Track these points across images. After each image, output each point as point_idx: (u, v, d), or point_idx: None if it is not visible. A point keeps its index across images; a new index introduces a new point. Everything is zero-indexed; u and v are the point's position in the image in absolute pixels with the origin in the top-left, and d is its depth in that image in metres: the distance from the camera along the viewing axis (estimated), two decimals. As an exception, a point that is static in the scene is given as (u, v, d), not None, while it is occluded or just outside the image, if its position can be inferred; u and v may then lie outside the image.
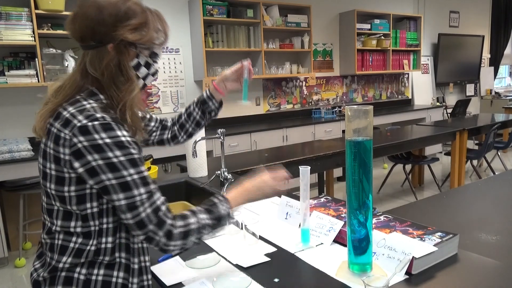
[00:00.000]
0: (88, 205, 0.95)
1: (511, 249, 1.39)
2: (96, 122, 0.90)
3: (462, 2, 7.50)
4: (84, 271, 0.97)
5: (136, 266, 1.02)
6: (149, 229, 0.93)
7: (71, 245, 0.97)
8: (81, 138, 0.89)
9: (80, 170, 0.91)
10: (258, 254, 1.24)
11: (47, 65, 3.52)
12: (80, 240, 0.96)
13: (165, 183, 2.14)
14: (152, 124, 1.36)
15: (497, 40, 8.20)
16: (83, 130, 0.90)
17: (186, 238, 0.98)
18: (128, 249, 1.01)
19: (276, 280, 1.09)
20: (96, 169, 0.90)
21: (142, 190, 0.93)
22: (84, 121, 0.90)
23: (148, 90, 4.37)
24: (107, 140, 0.90)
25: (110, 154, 0.90)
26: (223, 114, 5.21)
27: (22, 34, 3.32)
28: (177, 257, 1.25)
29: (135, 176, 0.92)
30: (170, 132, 1.39)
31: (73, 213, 0.96)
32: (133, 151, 0.93)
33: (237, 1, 4.51)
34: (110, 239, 0.98)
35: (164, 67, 4.44)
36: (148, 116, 1.35)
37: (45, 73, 3.46)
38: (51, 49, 3.58)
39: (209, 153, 3.87)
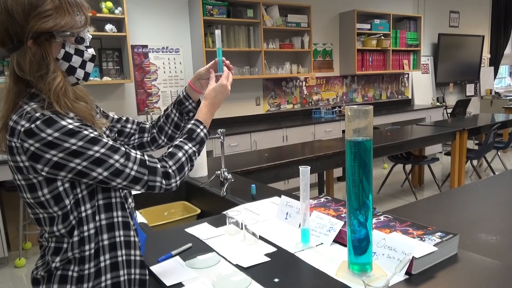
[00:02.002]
0: (67, 201, 0.96)
1: (511, 249, 1.39)
2: (38, 122, 0.89)
3: (462, 2, 7.50)
4: (76, 268, 1.00)
5: (122, 239, 1.05)
6: (145, 180, 0.99)
7: (64, 245, 1.00)
8: (31, 141, 0.89)
9: (46, 169, 0.91)
10: (258, 254, 1.24)
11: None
12: (66, 239, 0.99)
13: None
14: (129, 126, 1.30)
15: (497, 40, 8.21)
16: (28, 133, 0.89)
17: (181, 171, 1.06)
18: (110, 228, 1.03)
19: (276, 280, 1.09)
20: (60, 162, 0.90)
21: (116, 156, 0.95)
22: (27, 125, 0.89)
23: (148, 90, 4.37)
24: (56, 134, 0.89)
25: (66, 145, 0.89)
26: (223, 114, 5.22)
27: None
28: (177, 257, 1.25)
29: (102, 150, 0.93)
30: (149, 134, 1.33)
31: (55, 216, 0.98)
32: (85, 132, 0.92)
33: (237, 1, 4.51)
34: (91, 225, 1.00)
35: (164, 67, 4.44)
36: (124, 118, 1.31)
37: None
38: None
39: (209, 153, 3.88)
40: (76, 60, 1.01)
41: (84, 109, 0.99)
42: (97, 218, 1.01)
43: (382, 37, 5.91)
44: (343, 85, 6.00)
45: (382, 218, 1.36)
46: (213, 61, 1.31)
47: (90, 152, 0.91)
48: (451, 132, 4.19)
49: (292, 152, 3.17)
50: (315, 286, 1.06)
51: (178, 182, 1.06)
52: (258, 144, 4.44)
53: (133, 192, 1.13)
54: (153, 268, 1.19)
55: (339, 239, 1.29)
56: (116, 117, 1.28)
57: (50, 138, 0.89)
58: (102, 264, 1.02)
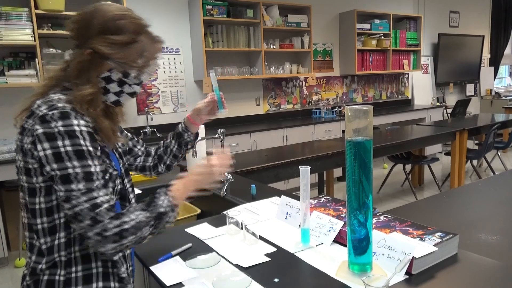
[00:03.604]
0: (54, 196, 0.96)
1: (511, 249, 1.39)
2: (55, 111, 0.92)
3: (462, 2, 7.50)
4: (63, 272, 0.98)
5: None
6: (83, 225, 0.91)
7: (43, 243, 0.98)
8: (38, 126, 0.91)
9: (34, 159, 0.93)
10: (258, 254, 1.24)
11: (47, 65, 3.52)
12: (48, 238, 0.97)
13: (165, 183, 2.14)
14: (138, 147, 1.35)
15: (497, 40, 8.21)
16: (42, 119, 0.91)
17: (121, 239, 0.92)
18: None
19: (276, 280, 1.09)
20: (42, 159, 0.91)
21: (81, 185, 0.91)
22: (45, 111, 0.92)
23: (148, 90, 4.37)
24: (60, 128, 0.91)
25: (59, 143, 0.90)
26: (223, 114, 5.18)
27: (22, 34, 3.32)
28: (177, 257, 1.25)
29: (78, 170, 0.91)
30: (152, 160, 1.37)
31: (36, 209, 0.97)
32: (82, 142, 0.92)
33: (237, 1, 4.51)
34: (62, 234, 0.98)
35: (164, 67, 4.44)
36: (136, 138, 1.35)
37: (45, 73, 3.46)
38: (51, 49, 3.58)
39: (209, 153, 3.87)
40: (114, 87, 1.05)
41: (106, 127, 1.02)
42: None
43: (382, 37, 5.90)
44: (343, 85, 6.00)
45: (382, 218, 1.36)
46: (210, 96, 1.35)
47: (68, 164, 0.90)
48: (451, 132, 4.18)
49: (292, 152, 3.17)
50: (315, 286, 1.06)
51: (115, 250, 0.92)
52: (258, 144, 4.44)
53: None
54: (153, 268, 1.19)
55: (339, 239, 1.29)
56: (129, 135, 1.31)
57: (54, 130, 0.90)
58: (94, 271, 1.01)
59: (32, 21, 3.32)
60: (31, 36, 3.34)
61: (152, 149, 1.39)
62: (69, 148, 0.91)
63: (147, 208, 0.98)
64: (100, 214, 0.92)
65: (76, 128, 0.92)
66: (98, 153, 0.97)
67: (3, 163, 3.09)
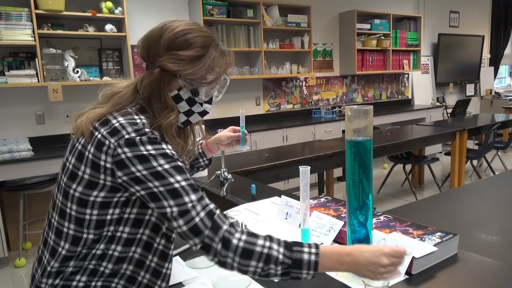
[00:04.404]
0: (110, 211, 0.94)
1: (511, 249, 1.39)
2: (144, 137, 0.90)
3: (462, 2, 7.50)
4: (84, 278, 0.95)
5: (144, 281, 1.00)
6: (205, 235, 0.87)
7: (77, 253, 0.95)
8: (126, 149, 0.89)
9: (124, 178, 0.90)
10: (258, 254, 1.24)
11: (47, 65, 3.52)
12: (87, 246, 0.94)
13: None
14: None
15: (497, 40, 8.20)
16: (129, 143, 0.89)
17: (246, 258, 0.85)
18: (140, 265, 0.99)
19: (276, 280, 1.09)
20: (140, 178, 0.89)
21: (192, 196, 0.89)
22: (133, 134, 0.90)
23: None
24: (152, 152, 0.89)
25: (155, 163, 0.89)
26: (223, 114, 5.21)
27: (22, 34, 3.32)
28: (177, 257, 1.25)
29: (183, 183, 0.90)
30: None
31: (85, 220, 0.93)
32: (177, 160, 0.92)
33: (237, 1, 4.51)
34: (119, 248, 0.96)
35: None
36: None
37: (45, 73, 3.46)
38: (51, 49, 3.58)
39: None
40: (183, 106, 1.03)
41: (178, 147, 1.01)
42: (132, 248, 0.97)
43: (382, 37, 5.90)
44: (343, 85, 6.00)
45: (382, 218, 1.36)
46: (232, 129, 1.43)
47: (171, 180, 0.89)
48: (451, 132, 4.18)
49: (292, 152, 3.17)
50: (315, 286, 1.06)
51: (236, 264, 0.87)
52: (258, 144, 4.44)
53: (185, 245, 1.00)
54: (153, 268, 1.19)
55: (339, 239, 1.29)
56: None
57: (145, 152, 0.89)
58: (114, 285, 0.97)
59: (32, 21, 3.32)
60: (31, 36, 3.34)
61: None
62: (166, 166, 0.90)
63: (287, 248, 0.88)
64: (220, 219, 0.90)
65: (168, 151, 0.92)
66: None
67: (3, 163, 3.09)
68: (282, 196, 1.59)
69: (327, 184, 4.08)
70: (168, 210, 0.88)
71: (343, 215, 1.37)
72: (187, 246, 1.31)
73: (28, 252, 3.53)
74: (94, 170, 0.91)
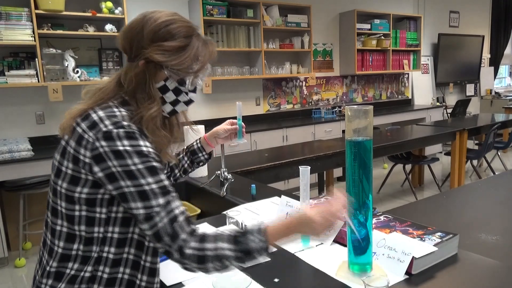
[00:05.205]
0: (98, 209, 0.94)
1: (511, 249, 1.39)
2: (121, 130, 0.90)
3: (462, 2, 7.50)
4: (83, 286, 0.95)
5: (143, 284, 1.00)
6: (165, 242, 0.89)
7: (73, 252, 0.95)
8: (103, 143, 0.89)
9: (100, 174, 0.90)
10: (258, 254, 1.24)
11: (47, 65, 3.52)
12: (81, 247, 0.95)
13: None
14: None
15: (497, 40, 8.20)
16: (107, 136, 0.89)
17: (201, 263, 0.89)
18: (136, 267, 0.99)
19: (276, 280, 1.09)
20: (115, 175, 0.89)
21: (160, 200, 0.90)
22: (110, 127, 0.90)
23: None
24: (128, 148, 0.89)
25: (129, 161, 0.89)
26: (223, 114, 5.20)
27: (22, 34, 3.32)
28: (177, 257, 1.25)
29: (154, 186, 0.90)
30: (164, 169, 1.38)
31: (75, 217, 0.94)
32: (152, 160, 0.92)
33: (237, 1, 4.51)
34: (112, 249, 0.96)
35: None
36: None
37: (45, 73, 3.46)
38: (51, 49, 3.58)
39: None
40: (169, 96, 1.03)
41: (162, 138, 1.01)
42: (125, 249, 0.97)
43: (382, 37, 5.90)
44: (343, 85, 6.00)
45: (382, 218, 1.36)
46: (229, 122, 1.41)
47: (142, 181, 0.89)
48: (451, 132, 4.18)
49: (292, 152, 3.17)
50: (315, 286, 1.06)
51: (196, 269, 0.91)
52: (258, 144, 4.44)
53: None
54: (153, 268, 1.19)
55: (339, 239, 1.29)
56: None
57: (121, 148, 0.89)
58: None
59: (32, 21, 3.32)
60: (31, 36, 3.34)
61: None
62: (140, 166, 0.90)
63: (235, 242, 0.92)
64: (180, 227, 0.90)
65: (144, 148, 0.91)
66: (162, 169, 0.97)
67: (3, 163, 3.09)
68: (282, 196, 1.59)
69: (327, 184, 4.08)
70: (135, 212, 0.89)
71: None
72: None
73: (28, 252, 3.53)
74: (75, 165, 0.92)
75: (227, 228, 0.96)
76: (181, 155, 1.39)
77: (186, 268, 0.92)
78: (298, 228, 0.96)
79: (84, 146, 0.91)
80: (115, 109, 0.95)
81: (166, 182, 0.93)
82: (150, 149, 0.93)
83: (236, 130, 1.43)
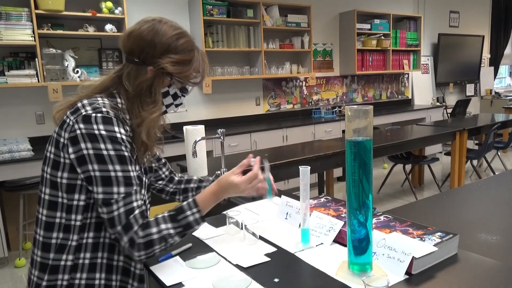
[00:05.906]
0: (76, 196, 0.98)
1: (511, 249, 1.39)
2: (99, 114, 0.96)
3: (462, 2, 7.50)
4: (66, 276, 1.00)
5: (120, 264, 1.07)
6: (117, 230, 0.96)
7: (53, 241, 1.00)
8: (81, 125, 0.95)
9: (72, 156, 0.95)
10: (258, 254, 1.24)
11: (47, 65, 3.53)
12: (61, 235, 0.99)
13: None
14: (164, 170, 1.40)
15: (497, 40, 8.20)
16: (85, 119, 0.95)
17: (148, 248, 0.99)
18: (111, 250, 1.05)
19: (276, 280, 1.09)
20: (85, 157, 0.94)
21: (122, 189, 0.95)
22: (90, 112, 0.96)
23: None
24: (103, 132, 0.95)
25: (102, 146, 0.94)
26: (223, 114, 5.21)
27: (22, 34, 3.32)
28: (177, 257, 1.25)
29: (119, 174, 0.95)
30: (173, 187, 1.43)
31: (58, 203, 0.99)
32: (123, 148, 0.97)
33: (237, 1, 4.51)
34: (91, 234, 1.01)
35: (164, 67, 4.44)
36: (163, 160, 1.40)
37: (45, 73, 3.46)
38: (51, 49, 3.58)
39: (209, 153, 3.87)
40: (168, 100, 1.15)
41: (153, 145, 1.10)
42: (102, 233, 1.03)
43: (382, 37, 5.91)
44: (343, 85, 6.00)
45: (382, 218, 1.36)
46: (247, 160, 1.37)
47: (110, 167, 0.94)
48: (451, 132, 4.18)
49: (292, 152, 3.17)
50: (315, 286, 1.06)
51: (143, 257, 1.01)
52: (258, 144, 4.44)
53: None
54: (153, 268, 1.19)
55: (339, 239, 1.29)
56: (158, 154, 1.34)
57: (96, 132, 0.94)
58: (97, 282, 1.04)
59: (32, 21, 3.32)
60: (31, 36, 3.34)
61: (177, 176, 1.45)
62: (111, 152, 0.95)
63: (173, 220, 1.03)
64: (135, 220, 0.97)
65: (118, 135, 0.97)
66: (133, 160, 1.02)
67: (3, 163, 3.09)
68: (282, 196, 1.59)
69: (327, 184, 4.08)
70: (95, 196, 0.96)
71: (343, 215, 1.37)
72: (187, 246, 1.31)
73: (28, 252, 3.53)
74: (56, 148, 0.98)
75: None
76: (191, 185, 1.45)
77: (131, 257, 1.00)
78: (224, 192, 1.16)
79: (65, 129, 0.97)
80: (99, 99, 1.01)
81: (132, 174, 0.98)
82: (124, 137, 0.98)
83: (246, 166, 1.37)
